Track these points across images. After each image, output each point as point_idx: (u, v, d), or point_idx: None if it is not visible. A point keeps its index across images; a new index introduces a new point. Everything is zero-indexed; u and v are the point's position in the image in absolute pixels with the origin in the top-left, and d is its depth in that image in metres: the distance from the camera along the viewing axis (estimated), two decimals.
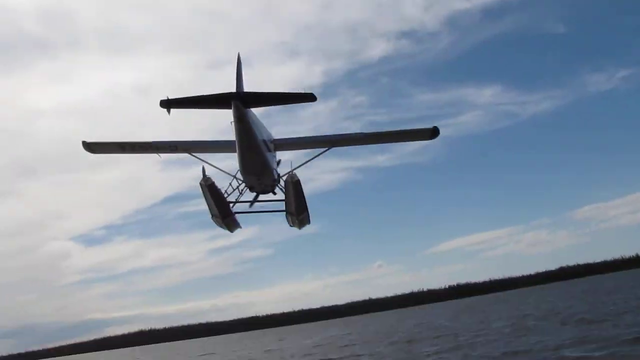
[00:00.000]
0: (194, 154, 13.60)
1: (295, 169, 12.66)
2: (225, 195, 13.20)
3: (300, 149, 14.17)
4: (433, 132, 13.44)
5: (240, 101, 9.74)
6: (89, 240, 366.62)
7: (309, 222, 14.95)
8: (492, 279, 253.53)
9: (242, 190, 13.15)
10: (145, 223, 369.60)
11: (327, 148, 14.02)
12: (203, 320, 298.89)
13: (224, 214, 13.76)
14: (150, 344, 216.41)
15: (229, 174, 12.80)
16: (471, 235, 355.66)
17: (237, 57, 10.47)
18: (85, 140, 13.27)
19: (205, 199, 13.38)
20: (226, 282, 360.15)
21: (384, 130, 13.27)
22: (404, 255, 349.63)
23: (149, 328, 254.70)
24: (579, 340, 21.75)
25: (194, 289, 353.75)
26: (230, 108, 9.55)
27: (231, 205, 13.48)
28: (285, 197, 13.68)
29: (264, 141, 11.63)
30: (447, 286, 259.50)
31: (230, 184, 13.05)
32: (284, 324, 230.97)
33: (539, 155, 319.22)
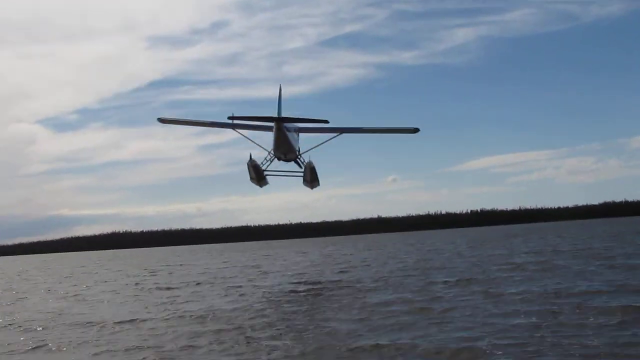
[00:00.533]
0: (239, 130, 28.81)
1: (312, 148, 28.74)
2: (261, 164, 28.65)
3: (317, 133, 28.88)
4: (414, 130, 28.09)
5: (279, 121, 24.24)
6: (59, 124, 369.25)
7: (318, 184, 30.97)
8: (522, 207, 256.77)
9: (272, 160, 28.68)
10: (127, 109, 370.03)
11: (338, 133, 28.51)
12: (186, 225, 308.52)
13: (259, 178, 29.60)
14: (124, 248, 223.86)
15: (264, 149, 28.61)
16: (504, 154, 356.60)
17: (279, 88, 24.87)
18: (160, 117, 30.16)
19: (249, 172, 29.48)
20: (216, 184, 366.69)
21: (375, 127, 29.66)
22: (423, 170, 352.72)
23: (124, 230, 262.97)
24: (618, 287, 21.47)
25: (179, 189, 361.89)
26: (273, 123, 23.99)
27: (264, 172, 29.14)
28: (304, 172, 29.59)
29: (291, 134, 26.01)
30: (469, 210, 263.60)
31: (265, 158, 28.98)
32: (278, 237, 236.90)
33: (597, 68, 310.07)
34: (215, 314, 21.04)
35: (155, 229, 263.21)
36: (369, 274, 34.79)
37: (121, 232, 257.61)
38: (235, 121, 27.44)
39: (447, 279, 28.27)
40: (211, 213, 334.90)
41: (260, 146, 29.95)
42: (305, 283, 31.68)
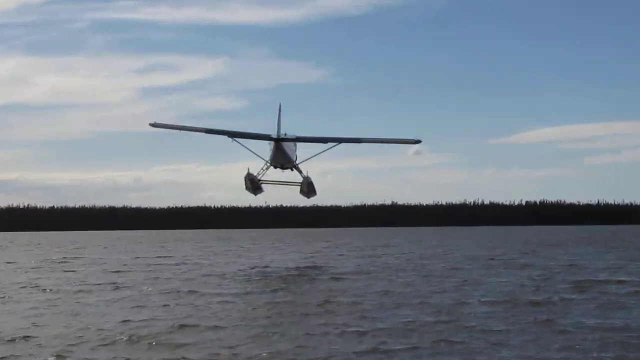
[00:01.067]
0: (236, 139, 49.59)
1: (309, 158, 51.07)
2: (258, 174, 50.27)
3: (317, 142, 50.32)
4: (416, 142, 53.63)
5: (278, 141, 47.37)
6: None
7: (315, 195, 53.10)
8: (603, 201, 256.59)
9: (268, 168, 49.71)
10: (37, 29, 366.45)
11: (337, 143, 49.93)
12: (118, 202, 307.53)
13: (255, 188, 51.07)
14: (24, 230, 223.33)
15: (262, 158, 49.73)
16: (580, 123, 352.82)
17: (278, 107, 48.20)
18: (150, 122, 53.22)
19: (246, 183, 50.69)
20: (164, 144, 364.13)
21: (374, 137, 53.70)
22: (461, 140, 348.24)
23: (25, 204, 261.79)
24: None
25: (110, 149, 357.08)
26: (273, 141, 47.43)
27: (260, 182, 50.88)
28: (302, 184, 51.30)
29: (289, 146, 48.46)
30: (523, 202, 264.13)
31: (262, 167, 49.96)
32: (247, 225, 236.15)
33: None
34: (136, 335, 20.69)
35: (71, 204, 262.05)
36: (373, 284, 34.87)
37: (21, 206, 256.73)
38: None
39: (485, 299, 28.30)
40: (155, 186, 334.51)
41: (258, 155, 50.29)
42: (275, 292, 31.66)
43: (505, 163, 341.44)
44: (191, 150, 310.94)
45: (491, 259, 54.77)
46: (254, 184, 50.97)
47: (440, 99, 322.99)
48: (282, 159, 48.93)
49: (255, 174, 50.73)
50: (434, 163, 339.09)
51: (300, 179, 51.64)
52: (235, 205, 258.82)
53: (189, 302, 28.50)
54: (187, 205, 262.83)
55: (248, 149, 50.10)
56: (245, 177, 50.75)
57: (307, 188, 51.73)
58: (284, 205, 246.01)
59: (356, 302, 27.44)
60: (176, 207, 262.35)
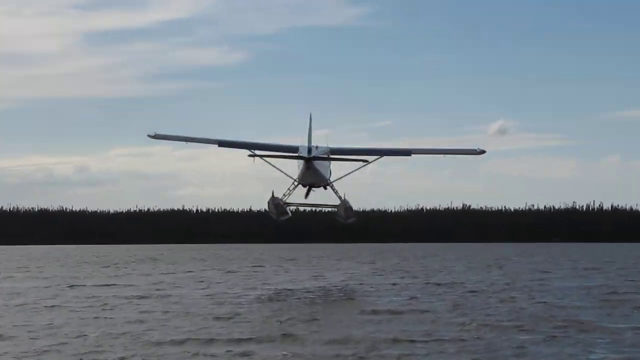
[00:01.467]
0: (258, 156, 62.91)
1: (346, 175, 64.78)
2: (284, 196, 64.72)
3: (354, 155, 63.63)
4: (480, 153, 65.82)
5: (309, 160, 60.58)
6: None
7: (354, 218, 68.23)
8: None
9: (296, 187, 63.77)
10: None
11: (378, 157, 65.21)
12: (53, 202, 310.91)
13: (279, 213, 66.58)
14: None
15: (290, 176, 63.48)
16: None
17: (309, 118, 64.65)
18: (149, 134, 66.40)
19: (269, 208, 66.50)
20: (122, 119, 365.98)
21: (433, 148, 72.76)
22: (564, 113, 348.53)
23: None
24: None
25: (43, 124, 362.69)
26: (301, 159, 61.09)
27: (286, 205, 66.44)
28: (338, 208, 66.43)
29: (322, 164, 61.45)
30: None
31: (289, 188, 64.21)
32: (246, 239, 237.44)
33: None
34: None
35: None
36: (435, 329, 35.04)
37: None
38: (257, 151, 59.59)
39: (609, 354, 28.31)
40: (109, 179, 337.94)
41: (285, 173, 62.28)
42: (289, 339, 31.90)
43: (635, 148, 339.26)
44: (165, 123, 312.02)
45: (614, 293, 54.65)
46: (278, 209, 63.82)
47: (536, 56, 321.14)
48: (313, 177, 60.66)
49: (280, 196, 62.98)
50: (526, 147, 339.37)
51: (336, 200, 64.08)
52: (228, 208, 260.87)
53: (155, 356, 28.52)
54: (156, 208, 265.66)
55: (274, 166, 62.41)
56: (269, 202, 63.80)
57: (345, 213, 64.14)
58: (302, 209, 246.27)
59: (410, 354, 27.57)
60: (140, 210, 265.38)
